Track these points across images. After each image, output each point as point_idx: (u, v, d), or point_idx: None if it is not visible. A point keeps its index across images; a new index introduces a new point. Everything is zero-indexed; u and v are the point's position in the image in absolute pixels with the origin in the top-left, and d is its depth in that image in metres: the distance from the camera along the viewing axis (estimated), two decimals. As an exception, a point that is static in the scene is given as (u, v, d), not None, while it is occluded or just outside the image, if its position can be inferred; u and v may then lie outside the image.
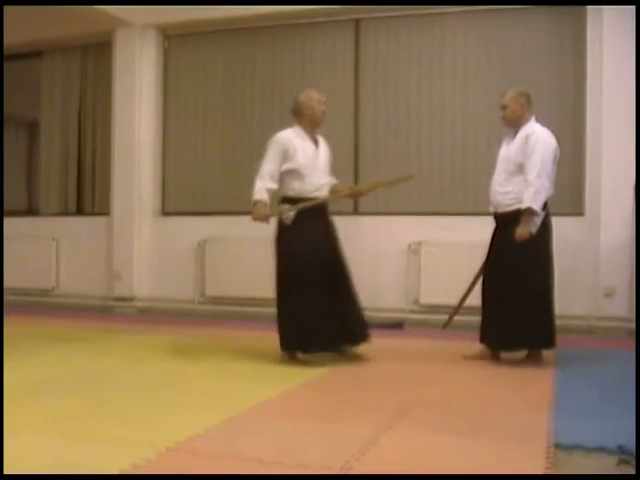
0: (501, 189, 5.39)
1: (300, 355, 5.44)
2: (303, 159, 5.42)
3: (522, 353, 5.44)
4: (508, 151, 5.43)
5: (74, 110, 9.34)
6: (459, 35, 7.82)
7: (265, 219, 5.47)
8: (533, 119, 5.41)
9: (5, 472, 2.66)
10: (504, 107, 5.46)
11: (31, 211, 9.77)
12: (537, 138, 5.24)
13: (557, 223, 7.24)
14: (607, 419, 3.70)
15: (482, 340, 5.52)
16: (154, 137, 8.79)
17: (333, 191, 5.75)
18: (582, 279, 7.19)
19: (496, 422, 3.65)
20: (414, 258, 7.59)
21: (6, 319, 7.62)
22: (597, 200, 7.16)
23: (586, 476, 2.84)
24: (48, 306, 8.98)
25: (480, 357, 5.52)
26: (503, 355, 5.46)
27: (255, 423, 3.57)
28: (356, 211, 8.10)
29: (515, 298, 5.27)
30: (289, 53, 8.44)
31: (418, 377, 4.93)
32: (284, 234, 5.49)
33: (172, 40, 8.95)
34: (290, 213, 5.41)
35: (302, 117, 5.58)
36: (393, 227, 7.84)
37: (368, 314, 7.49)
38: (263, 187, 5.41)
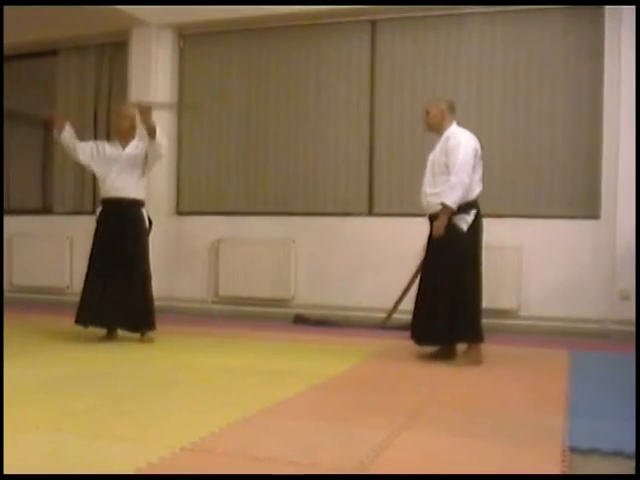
0: (430, 190, 5.55)
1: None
2: (103, 162, 6.33)
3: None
4: (434, 154, 5.62)
5: (89, 109, 9.35)
6: (475, 37, 7.80)
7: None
8: (454, 124, 5.61)
9: (19, 470, 2.66)
10: (426, 113, 5.68)
11: (46, 209, 9.77)
12: (456, 139, 5.46)
13: (573, 226, 7.32)
14: (623, 423, 3.66)
15: (412, 336, 5.67)
16: (169, 136, 8.77)
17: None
18: (598, 282, 7.16)
19: (511, 424, 3.63)
20: (428, 259, 7.55)
21: (21, 317, 7.67)
22: (613, 203, 7.12)
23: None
24: (63, 304, 8.98)
25: (436, 355, 5.63)
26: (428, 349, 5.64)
27: (269, 423, 3.56)
28: (371, 212, 8.09)
29: (443, 296, 5.40)
30: (305, 54, 8.44)
31: (432, 378, 4.92)
32: (95, 231, 6.37)
33: (188, 40, 8.95)
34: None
35: None
36: (407, 228, 7.79)
37: (382, 315, 7.56)
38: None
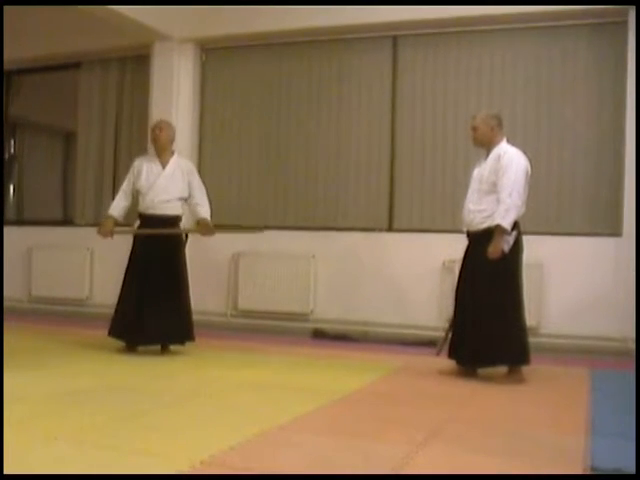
0: (474, 207, 5.51)
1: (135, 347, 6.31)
2: (144, 180, 6.35)
3: (502, 369, 5.50)
4: (480, 171, 5.56)
5: (111, 121, 9.39)
6: (497, 53, 7.78)
7: (108, 234, 6.50)
8: (504, 140, 5.53)
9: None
10: (474, 129, 5.59)
11: (66, 221, 9.82)
12: (509, 158, 5.36)
13: (594, 243, 7.26)
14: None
15: (451, 356, 5.64)
16: (190, 150, 8.77)
17: (196, 224, 6.70)
18: (619, 300, 7.08)
19: (531, 443, 3.60)
20: (448, 276, 7.52)
21: (39, 328, 7.71)
22: (635, 220, 7.05)
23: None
24: (82, 315, 9.01)
25: (457, 372, 5.60)
26: (480, 371, 5.53)
27: (288, 438, 3.55)
28: (391, 228, 8.06)
29: (487, 316, 5.36)
30: (326, 69, 8.43)
31: (452, 395, 4.89)
32: (133, 245, 6.50)
33: (210, 54, 8.98)
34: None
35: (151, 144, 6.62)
36: (427, 244, 7.79)
37: (401, 331, 7.54)
38: (117, 205, 6.52)
